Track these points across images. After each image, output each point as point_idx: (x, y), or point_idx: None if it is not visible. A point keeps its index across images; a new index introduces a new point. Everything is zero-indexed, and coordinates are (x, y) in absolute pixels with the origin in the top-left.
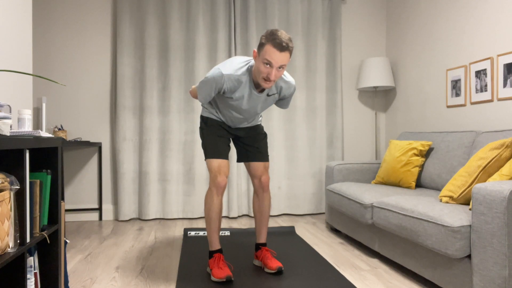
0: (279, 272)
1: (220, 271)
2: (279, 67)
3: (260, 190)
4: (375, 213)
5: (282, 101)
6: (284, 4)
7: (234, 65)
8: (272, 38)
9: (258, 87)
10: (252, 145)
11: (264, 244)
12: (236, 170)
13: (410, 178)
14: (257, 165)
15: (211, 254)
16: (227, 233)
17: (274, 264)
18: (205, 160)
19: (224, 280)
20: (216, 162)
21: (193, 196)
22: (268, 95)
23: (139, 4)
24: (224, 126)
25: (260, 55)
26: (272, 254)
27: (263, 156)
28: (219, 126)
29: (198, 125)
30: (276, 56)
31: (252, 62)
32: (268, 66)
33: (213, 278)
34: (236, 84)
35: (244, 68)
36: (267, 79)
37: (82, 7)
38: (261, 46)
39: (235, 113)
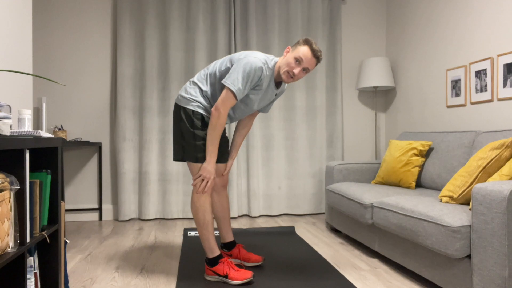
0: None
1: (240, 273)
2: (303, 69)
3: (222, 187)
4: (375, 213)
5: (269, 105)
6: (284, 4)
7: (265, 56)
8: (310, 44)
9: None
10: (222, 145)
11: (235, 241)
12: (236, 170)
13: (410, 178)
14: (223, 165)
15: (216, 260)
16: None
17: (257, 256)
18: (195, 163)
19: (251, 279)
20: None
21: None
22: (276, 94)
23: (139, 4)
24: None
25: (294, 51)
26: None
27: (227, 157)
28: None
29: None
30: (308, 57)
31: (276, 59)
32: (297, 63)
33: (235, 282)
34: (267, 74)
35: (273, 61)
36: (291, 74)
37: (82, 7)
38: (298, 44)
39: (247, 107)
